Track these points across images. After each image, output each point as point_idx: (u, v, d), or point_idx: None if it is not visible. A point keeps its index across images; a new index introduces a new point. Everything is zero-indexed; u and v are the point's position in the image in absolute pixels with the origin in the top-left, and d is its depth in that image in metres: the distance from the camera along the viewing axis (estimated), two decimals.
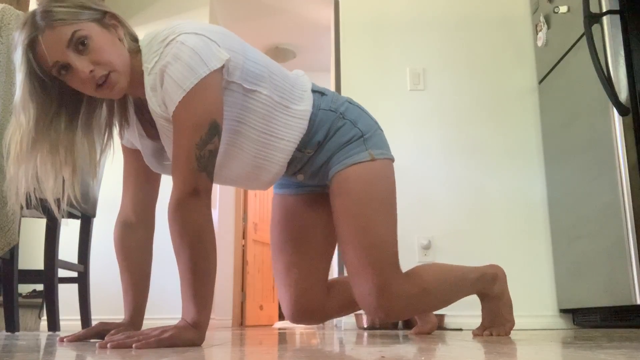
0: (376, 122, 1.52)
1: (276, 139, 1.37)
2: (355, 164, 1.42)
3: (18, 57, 1.17)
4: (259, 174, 1.42)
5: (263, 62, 1.34)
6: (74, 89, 1.22)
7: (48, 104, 1.21)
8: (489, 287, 1.61)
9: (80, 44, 1.16)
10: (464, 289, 1.59)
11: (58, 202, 1.24)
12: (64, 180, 1.24)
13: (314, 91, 1.45)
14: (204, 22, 1.29)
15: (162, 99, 1.22)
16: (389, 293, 1.39)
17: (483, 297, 1.63)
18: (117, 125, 1.35)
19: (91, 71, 1.16)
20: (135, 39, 1.28)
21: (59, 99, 1.23)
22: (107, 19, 1.23)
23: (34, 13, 1.17)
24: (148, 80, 1.22)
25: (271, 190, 1.70)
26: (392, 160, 1.51)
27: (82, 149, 1.26)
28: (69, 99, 1.25)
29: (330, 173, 1.45)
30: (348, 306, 1.65)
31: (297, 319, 1.60)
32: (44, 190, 1.22)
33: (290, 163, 1.44)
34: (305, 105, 1.40)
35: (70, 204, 1.29)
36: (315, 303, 1.59)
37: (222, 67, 1.22)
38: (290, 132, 1.38)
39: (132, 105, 1.35)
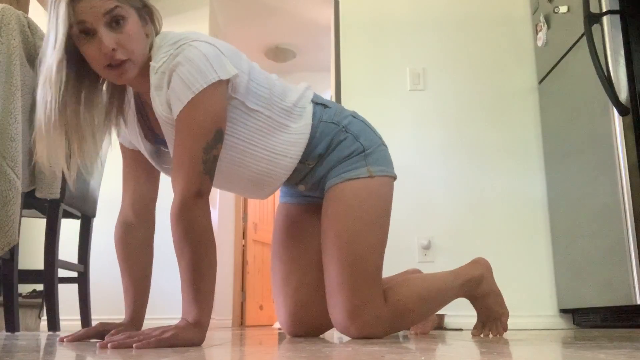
0: (380, 138, 1.51)
1: (279, 156, 1.38)
2: (352, 179, 1.41)
3: (62, 10, 1.12)
4: (261, 188, 1.43)
5: (266, 84, 1.35)
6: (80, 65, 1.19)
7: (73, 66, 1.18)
8: (476, 289, 1.59)
9: (115, 21, 1.16)
10: (447, 299, 1.55)
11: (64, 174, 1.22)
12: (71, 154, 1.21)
13: (317, 103, 1.45)
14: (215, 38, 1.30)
15: (167, 99, 1.22)
16: (362, 317, 1.37)
17: (472, 299, 1.62)
18: (114, 118, 1.32)
19: (113, 49, 1.16)
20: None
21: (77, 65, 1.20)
22: (144, 12, 1.24)
23: None
24: (153, 79, 1.22)
25: None
26: (393, 178, 1.48)
27: (86, 124, 1.22)
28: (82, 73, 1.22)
29: (326, 185, 1.46)
30: None
31: (294, 330, 1.58)
32: (57, 161, 1.18)
33: (292, 173, 1.44)
34: (305, 120, 1.40)
35: (71, 204, 1.28)
36: (314, 316, 1.56)
37: (228, 80, 1.23)
38: (292, 148, 1.39)
39: (130, 105, 1.35)
